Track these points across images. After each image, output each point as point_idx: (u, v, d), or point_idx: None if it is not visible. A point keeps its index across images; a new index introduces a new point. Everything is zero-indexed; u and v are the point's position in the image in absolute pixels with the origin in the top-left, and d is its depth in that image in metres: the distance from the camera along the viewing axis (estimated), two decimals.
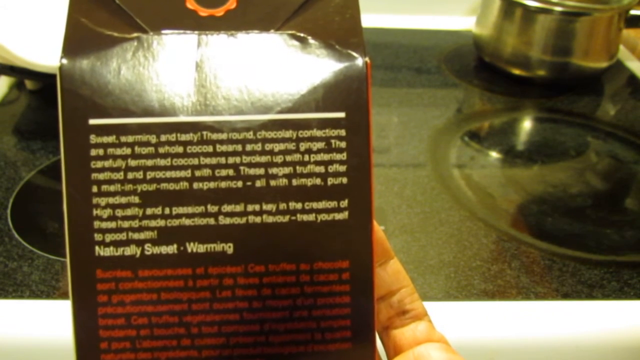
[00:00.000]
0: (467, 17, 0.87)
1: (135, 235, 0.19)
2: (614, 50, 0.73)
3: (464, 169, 0.57)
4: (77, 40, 0.19)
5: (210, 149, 0.19)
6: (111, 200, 0.19)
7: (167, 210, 0.19)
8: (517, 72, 0.72)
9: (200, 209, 0.19)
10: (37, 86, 0.64)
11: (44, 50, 0.55)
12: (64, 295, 0.41)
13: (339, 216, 0.20)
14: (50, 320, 0.38)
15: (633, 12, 0.71)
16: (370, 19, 0.83)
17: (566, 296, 0.43)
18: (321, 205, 0.20)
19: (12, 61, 0.54)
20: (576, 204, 0.53)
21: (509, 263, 0.46)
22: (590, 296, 0.43)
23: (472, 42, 0.78)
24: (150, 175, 0.19)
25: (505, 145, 0.61)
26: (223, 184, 0.19)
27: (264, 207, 0.19)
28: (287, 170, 0.19)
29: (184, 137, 0.19)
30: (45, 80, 0.58)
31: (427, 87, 0.71)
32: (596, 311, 0.41)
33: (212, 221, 0.19)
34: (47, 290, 0.41)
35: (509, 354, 0.40)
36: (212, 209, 0.19)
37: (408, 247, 0.47)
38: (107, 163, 0.19)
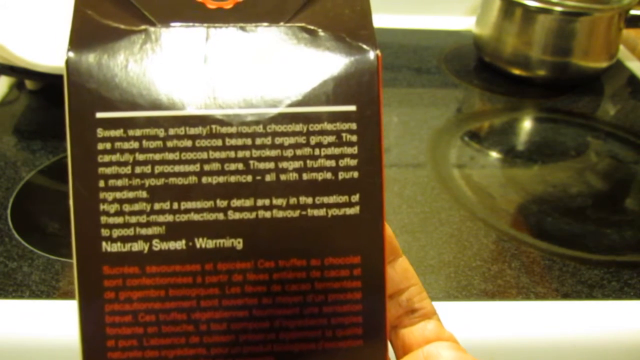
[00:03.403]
0: (467, 17, 0.87)
1: (143, 231, 0.19)
2: (614, 50, 0.73)
3: (464, 169, 0.57)
4: (83, 33, 0.19)
5: (219, 142, 0.19)
6: (118, 195, 0.19)
7: (175, 205, 0.19)
8: (517, 72, 0.72)
9: (209, 203, 0.19)
10: (37, 86, 0.64)
11: (44, 50, 0.55)
12: (64, 295, 0.41)
13: (350, 211, 0.20)
14: (50, 320, 0.38)
15: (633, 12, 0.71)
16: (373, 18, 0.83)
17: (566, 296, 0.43)
18: (332, 199, 0.19)
19: (12, 61, 0.54)
20: (576, 204, 0.53)
21: (509, 263, 0.46)
22: (590, 296, 0.43)
23: (472, 42, 0.78)
24: (158, 169, 0.19)
25: (505, 145, 0.61)
26: (232, 179, 0.19)
27: (274, 201, 0.19)
28: (297, 164, 0.19)
29: (192, 131, 0.19)
30: (45, 80, 0.58)
31: (427, 87, 0.71)
32: (596, 311, 0.41)
33: (221, 216, 0.19)
34: (47, 290, 0.41)
35: (509, 354, 0.40)
36: (221, 203, 0.19)
37: (408, 247, 0.47)
38: (115, 157, 0.19)
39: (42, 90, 0.65)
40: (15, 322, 0.38)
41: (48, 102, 0.63)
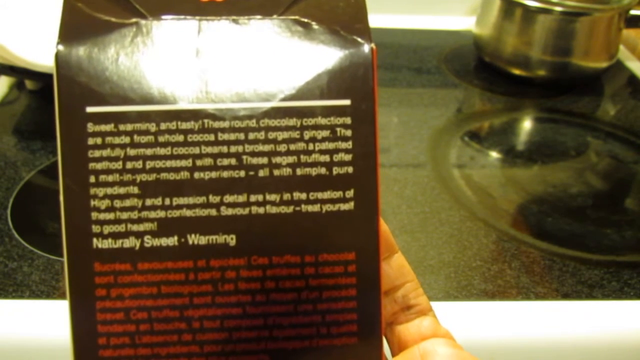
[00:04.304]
0: (467, 17, 0.87)
1: (135, 227, 0.19)
2: (614, 50, 0.73)
3: (464, 169, 0.57)
4: (73, 26, 0.19)
5: (211, 137, 0.19)
6: (109, 190, 0.19)
7: (167, 201, 0.19)
8: (517, 72, 0.72)
9: (201, 199, 0.19)
10: (37, 86, 0.64)
11: (44, 50, 0.55)
12: (64, 295, 0.41)
13: (344, 207, 0.19)
14: (50, 320, 0.38)
15: (633, 12, 0.71)
16: (370, 19, 0.83)
17: (566, 296, 0.43)
18: (326, 195, 0.19)
19: (12, 61, 0.54)
20: (576, 204, 0.53)
21: (509, 263, 0.46)
22: (590, 296, 0.43)
23: (472, 42, 0.78)
24: (149, 164, 0.19)
25: (505, 145, 0.61)
26: (225, 174, 0.19)
27: (267, 197, 0.19)
28: (291, 159, 0.19)
29: (184, 126, 0.19)
30: (45, 80, 0.58)
31: (427, 87, 0.71)
32: (596, 311, 0.41)
33: (213, 212, 0.19)
34: (47, 290, 0.41)
35: (509, 354, 0.40)
36: (213, 199, 0.19)
37: (408, 247, 0.47)
38: (105, 152, 0.18)
39: (42, 90, 0.65)
40: (15, 322, 0.38)
41: (48, 102, 0.63)
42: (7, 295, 0.40)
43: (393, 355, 0.22)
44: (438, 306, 0.41)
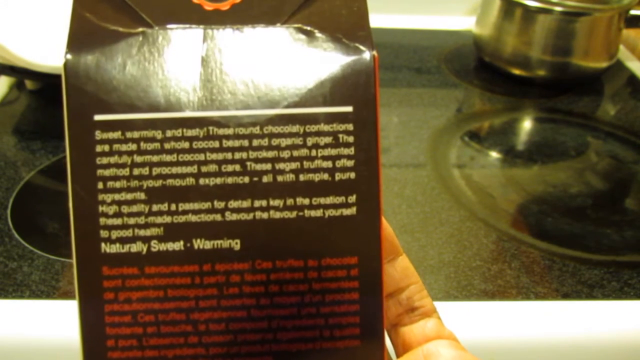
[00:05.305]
0: (467, 17, 0.87)
1: (142, 232, 0.19)
2: (614, 50, 0.73)
3: (464, 169, 0.57)
4: (81, 36, 0.19)
5: (216, 144, 0.19)
6: (117, 196, 0.19)
7: (173, 207, 0.19)
8: (517, 72, 0.72)
9: (206, 205, 0.19)
10: (37, 86, 0.64)
11: (44, 50, 0.55)
12: (64, 295, 0.41)
13: (347, 212, 0.20)
14: (50, 320, 0.38)
15: (633, 12, 0.71)
16: (370, 19, 0.83)
17: (566, 296, 0.43)
18: (329, 200, 0.20)
19: (12, 61, 0.54)
20: (576, 204, 0.53)
21: (509, 263, 0.46)
22: (590, 296, 0.43)
23: (472, 42, 0.78)
24: (156, 171, 0.19)
25: (505, 145, 0.61)
26: (229, 180, 0.19)
27: (271, 202, 0.19)
28: (294, 165, 0.19)
29: (190, 133, 0.19)
30: (45, 80, 0.58)
31: (427, 87, 0.71)
32: (596, 311, 0.41)
33: (218, 217, 0.19)
34: (47, 290, 0.41)
35: (509, 354, 0.40)
36: (218, 205, 0.19)
37: (408, 247, 0.47)
38: (113, 159, 0.19)
39: (42, 90, 0.65)
40: (15, 322, 0.38)
41: (48, 102, 0.63)
42: (7, 295, 0.40)
43: (397, 356, 0.23)
44: (438, 306, 0.41)
